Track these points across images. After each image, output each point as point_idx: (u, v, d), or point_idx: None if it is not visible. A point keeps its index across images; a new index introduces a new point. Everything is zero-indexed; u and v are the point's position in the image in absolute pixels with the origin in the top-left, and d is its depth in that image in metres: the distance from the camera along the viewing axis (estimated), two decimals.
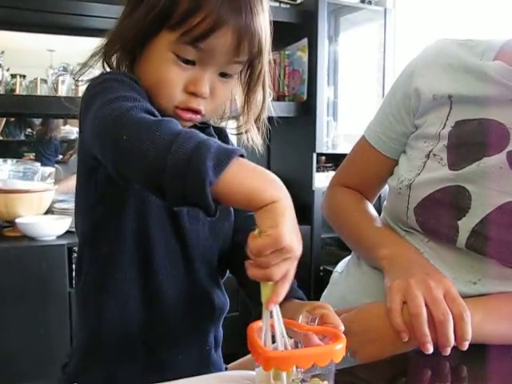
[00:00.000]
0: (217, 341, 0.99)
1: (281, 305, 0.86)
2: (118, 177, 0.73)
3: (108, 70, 0.91)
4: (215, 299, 0.95)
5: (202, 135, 0.67)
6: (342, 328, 0.78)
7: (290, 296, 0.89)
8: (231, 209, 0.98)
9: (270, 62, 0.95)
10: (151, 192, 0.71)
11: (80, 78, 0.93)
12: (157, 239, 0.87)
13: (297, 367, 0.63)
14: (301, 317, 0.78)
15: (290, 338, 0.71)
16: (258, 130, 1.00)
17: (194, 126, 0.96)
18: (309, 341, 0.73)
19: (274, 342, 0.65)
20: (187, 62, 0.84)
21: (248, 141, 1.00)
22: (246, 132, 1.00)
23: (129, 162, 0.68)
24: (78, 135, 0.89)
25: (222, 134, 1.01)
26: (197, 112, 0.88)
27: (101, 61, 0.91)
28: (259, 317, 0.69)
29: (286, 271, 0.64)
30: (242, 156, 0.66)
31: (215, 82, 0.88)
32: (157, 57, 0.85)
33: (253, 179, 0.65)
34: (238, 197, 0.64)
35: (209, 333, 0.96)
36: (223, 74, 0.88)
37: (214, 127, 1.00)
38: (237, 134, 1.02)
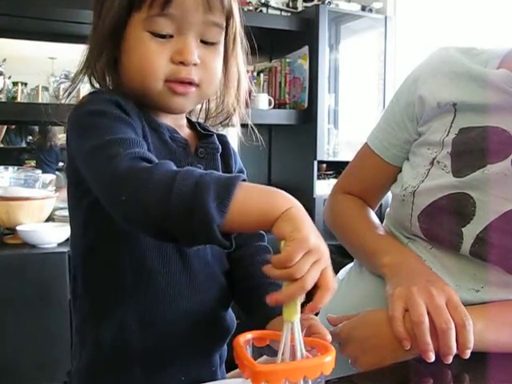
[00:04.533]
0: (221, 359, 0.96)
1: (268, 321, 0.85)
2: (127, 228, 0.75)
3: (95, 83, 0.90)
4: (222, 321, 0.92)
5: (197, 171, 0.67)
6: (329, 338, 0.77)
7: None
8: None
9: (241, 31, 0.94)
10: (162, 240, 0.73)
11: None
12: (155, 261, 0.84)
13: (287, 381, 0.61)
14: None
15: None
16: (242, 104, 0.98)
17: (198, 135, 0.95)
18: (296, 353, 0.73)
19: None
20: (164, 36, 0.83)
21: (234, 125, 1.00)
22: (229, 116, 0.99)
23: (133, 219, 0.70)
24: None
25: (223, 141, 0.99)
26: (190, 84, 0.85)
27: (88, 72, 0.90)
28: (251, 328, 0.70)
29: (317, 276, 0.63)
30: (243, 180, 0.67)
31: (201, 50, 0.86)
32: (134, 42, 0.84)
33: (259, 199, 0.66)
34: (251, 222, 0.66)
35: (214, 354, 0.93)
36: (206, 43, 0.86)
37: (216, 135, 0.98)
38: (222, 122, 1.00)
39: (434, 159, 0.99)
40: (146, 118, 0.87)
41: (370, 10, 3.03)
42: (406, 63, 3.00)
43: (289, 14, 2.98)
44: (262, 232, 1.01)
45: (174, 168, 0.70)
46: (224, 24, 0.88)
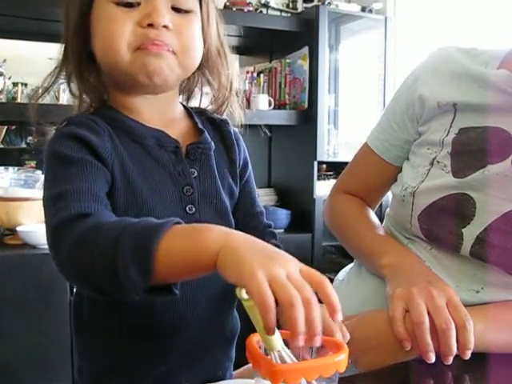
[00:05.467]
0: (230, 361, 0.96)
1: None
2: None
3: (73, 87, 0.89)
4: (227, 326, 0.92)
5: (122, 224, 0.65)
6: (339, 336, 0.76)
7: None
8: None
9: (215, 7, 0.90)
10: (102, 296, 0.70)
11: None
12: None
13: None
14: None
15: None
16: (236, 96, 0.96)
17: (195, 127, 0.92)
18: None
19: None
20: (131, 5, 0.79)
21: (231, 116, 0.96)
22: (223, 104, 0.94)
23: (67, 275, 0.71)
24: None
25: (224, 130, 0.97)
26: (162, 46, 0.80)
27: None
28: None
29: (304, 283, 0.56)
30: (176, 223, 0.64)
31: (173, 16, 0.82)
32: (100, 17, 0.80)
33: (185, 247, 0.62)
34: (184, 273, 0.63)
35: (222, 358, 0.93)
36: (179, 11, 0.82)
37: (212, 123, 0.96)
38: (217, 110, 0.96)
39: (433, 159, 0.99)
40: (127, 131, 0.84)
41: (370, 11, 3.03)
42: (405, 64, 3.00)
43: (289, 14, 2.98)
44: (269, 223, 1.01)
45: (103, 221, 0.68)
46: None
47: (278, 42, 3.09)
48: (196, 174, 0.88)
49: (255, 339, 0.66)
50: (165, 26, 0.79)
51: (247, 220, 0.98)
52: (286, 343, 0.65)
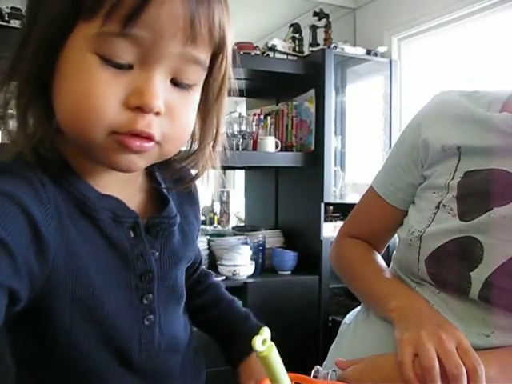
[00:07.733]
0: None
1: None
2: None
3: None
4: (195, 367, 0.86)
5: None
6: None
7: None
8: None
9: (231, 70, 0.72)
10: None
11: None
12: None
13: None
14: (312, 372, 0.76)
15: None
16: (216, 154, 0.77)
17: (150, 176, 0.79)
18: None
19: None
20: (121, 66, 0.60)
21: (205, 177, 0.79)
22: (201, 168, 0.77)
23: None
24: None
25: (188, 184, 0.83)
26: (148, 138, 0.62)
27: None
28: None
29: None
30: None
31: (170, 93, 0.63)
32: (75, 68, 0.60)
33: None
34: None
35: None
36: (178, 84, 0.64)
37: (177, 180, 0.81)
38: (193, 179, 0.80)
39: (439, 203, 0.99)
40: (77, 199, 0.66)
41: (375, 54, 3.07)
42: (410, 106, 3.03)
43: (295, 58, 3.02)
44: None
45: None
46: (208, 62, 0.66)
47: (284, 85, 3.13)
48: (157, 255, 0.74)
49: None
50: (157, 113, 0.62)
51: (192, 269, 0.98)
52: None
